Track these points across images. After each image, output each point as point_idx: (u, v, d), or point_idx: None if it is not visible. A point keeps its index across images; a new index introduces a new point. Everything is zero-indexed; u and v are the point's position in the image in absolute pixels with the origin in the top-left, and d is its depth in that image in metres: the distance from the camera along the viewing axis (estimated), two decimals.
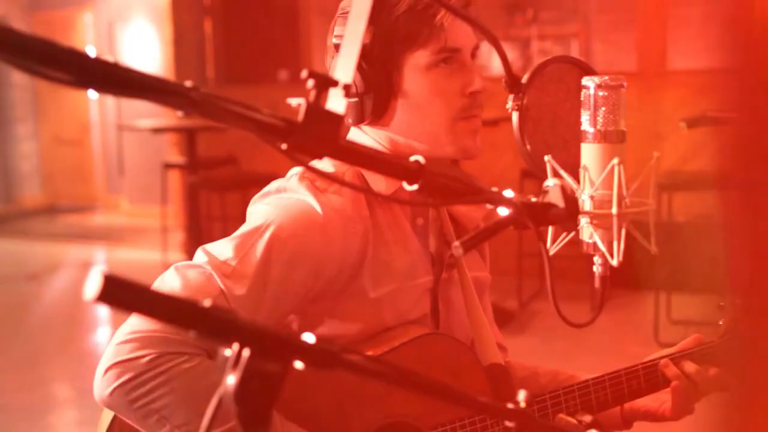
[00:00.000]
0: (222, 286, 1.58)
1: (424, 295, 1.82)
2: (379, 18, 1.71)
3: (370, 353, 1.69)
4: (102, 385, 1.52)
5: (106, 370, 1.51)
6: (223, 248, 1.64)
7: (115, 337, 1.54)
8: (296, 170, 1.76)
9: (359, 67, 1.71)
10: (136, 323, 1.53)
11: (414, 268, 1.79)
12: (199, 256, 1.64)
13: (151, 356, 1.50)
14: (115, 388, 1.50)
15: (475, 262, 1.97)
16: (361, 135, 1.81)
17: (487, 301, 2.03)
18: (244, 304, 1.58)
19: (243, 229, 1.67)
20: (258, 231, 1.65)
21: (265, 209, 1.70)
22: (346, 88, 1.00)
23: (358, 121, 1.76)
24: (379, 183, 1.74)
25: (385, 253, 1.75)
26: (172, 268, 1.62)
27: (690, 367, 1.83)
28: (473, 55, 1.78)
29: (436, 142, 1.76)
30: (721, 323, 1.85)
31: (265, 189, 1.76)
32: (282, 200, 1.71)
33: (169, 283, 1.59)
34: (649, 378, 1.85)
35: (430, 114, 1.74)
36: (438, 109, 1.74)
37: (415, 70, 1.73)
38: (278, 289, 1.62)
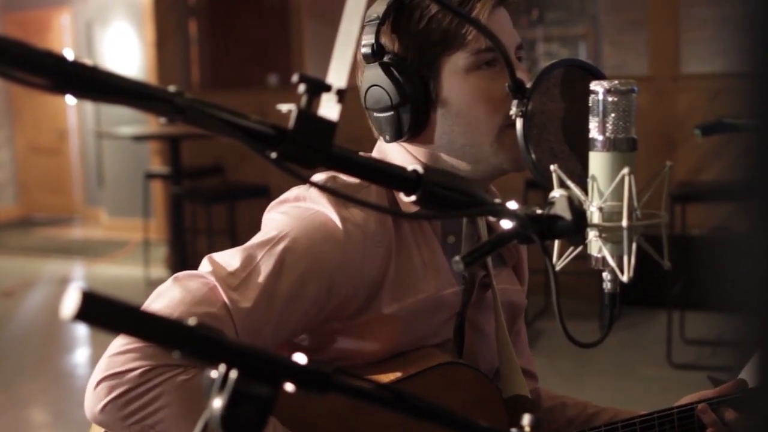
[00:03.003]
0: (226, 299, 1.54)
1: (450, 319, 1.78)
2: (409, 22, 1.68)
3: (383, 377, 1.67)
4: (93, 399, 1.50)
5: (98, 384, 1.49)
6: (231, 258, 1.60)
7: (109, 349, 1.51)
8: (318, 177, 1.69)
9: (392, 78, 1.67)
10: None
11: (440, 290, 1.74)
12: (204, 265, 1.61)
13: (145, 368, 1.48)
14: (107, 403, 1.48)
15: (511, 283, 1.93)
16: (399, 150, 1.78)
17: (521, 327, 2.01)
18: (248, 319, 1.55)
19: (255, 239, 1.64)
20: (270, 242, 1.61)
21: (280, 219, 1.66)
22: (340, 93, 1.00)
23: (396, 136, 1.71)
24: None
25: (410, 272, 1.71)
26: (171, 279, 1.59)
27: (730, 414, 1.78)
28: (517, 56, 1.74)
29: (481, 155, 1.71)
30: None
31: (283, 196, 1.72)
32: (300, 210, 1.67)
33: (168, 294, 1.56)
34: (684, 423, 1.81)
35: (474, 122, 1.69)
36: (482, 116, 1.69)
37: (454, 75, 1.69)
38: (286, 306, 1.59)
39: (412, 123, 1.69)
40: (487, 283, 1.84)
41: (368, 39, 1.69)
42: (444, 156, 1.73)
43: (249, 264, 1.59)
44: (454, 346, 1.82)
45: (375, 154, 1.81)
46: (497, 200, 1.13)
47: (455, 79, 1.69)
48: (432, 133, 1.72)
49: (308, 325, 1.66)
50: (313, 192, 1.68)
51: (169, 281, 1.59)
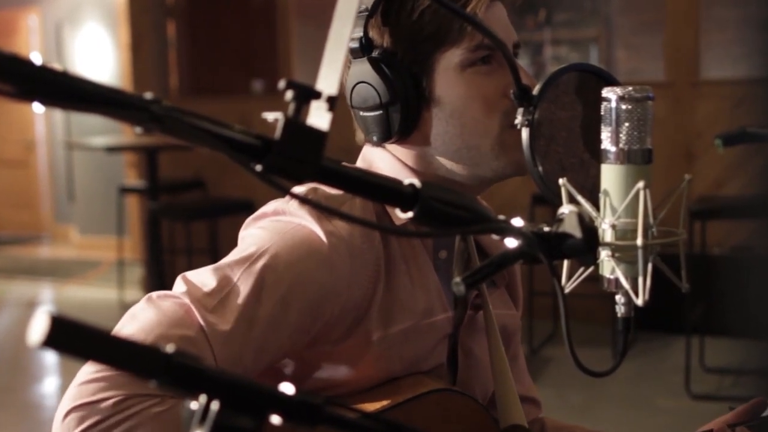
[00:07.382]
0: (202, 322, 1.52)
1: (441, 342, 1.78)
2: (400, 15, 1.69)
3: (370, 406, 1.66)
4: (62, 431, 1.48)
5: (67, 414, 1.47)
6: (206, 278, 1.58)
7: (78, 377, 1.49)
8: (298, 190, 1.68)
9: (382, 75, 1.68)
10: None
11: (431, 311, 1.75)
12: (179, 285, 1.59)
13: (118, 398, 1.46)
14: None
15: (504, 305, 1.93)
16: (387, 157, 1.78)
17: (516, 349, 2.01)
18: (226, 343, 1.53)
19: (232, 256, 1.62)
20: (249, 260, 1.59)
21: (259, 234, 1.65)
22: (330, 100, 0.99)
23: (385, 137, 1.71)
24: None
25: (399, 291, 1.70)
26: (144, 299, 1.58)
27: None
28: (514, 54, 1.73)
29: (481, 158, 1.71)
30: None
31: (261, 210, 1.71)
32: (280, 224, 1.65)
33: (142, 316, 1.54)
34: None
35: (470, 122, 1.69)
36: (478, 115, 1.69)
37: (448, 72, 1.69)
38: (268, 329, 1.57)
39: (402, 123, 1.69)
40: (479, 305, 1.84)
41: (356, 32, 1.69)
42: (439, 159, 1.73)
43: (226, 284, 1.57)
44: (448, 371, 1.82)
45: (360, 162, 1.81)
46: (501, 216, 1.13)
47: (449, 77, 1.69)
48: (424, 135, 1.72)
49: (292, 349, 1.65)
50: (294, 205, 1.66)
51: (142, 302, 1.57)
